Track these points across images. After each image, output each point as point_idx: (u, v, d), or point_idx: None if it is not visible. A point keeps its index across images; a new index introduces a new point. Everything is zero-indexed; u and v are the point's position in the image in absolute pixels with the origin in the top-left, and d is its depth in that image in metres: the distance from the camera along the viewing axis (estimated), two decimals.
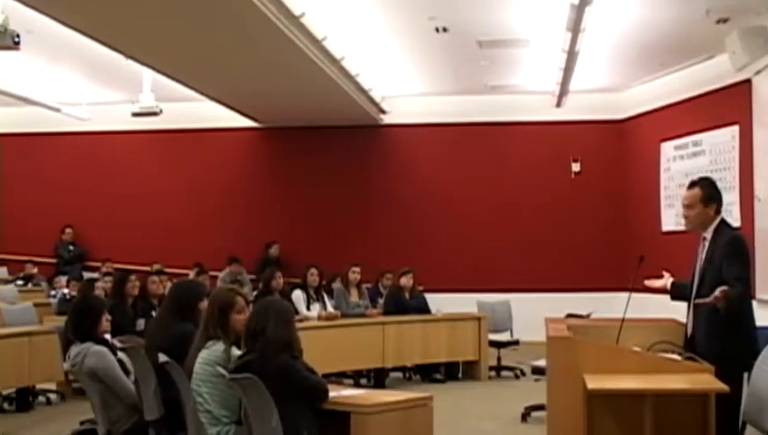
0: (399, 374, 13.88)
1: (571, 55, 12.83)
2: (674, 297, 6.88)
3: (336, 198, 18.80)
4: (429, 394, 6.33)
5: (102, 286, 12.13)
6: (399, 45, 14.25)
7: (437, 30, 13.23)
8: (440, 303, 14.39)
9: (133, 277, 10.69)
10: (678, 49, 14.30)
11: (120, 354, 7.41)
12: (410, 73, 16.28)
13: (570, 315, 10.57)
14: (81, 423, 9.55)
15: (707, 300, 6.12)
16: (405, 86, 17.31)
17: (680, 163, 15.96)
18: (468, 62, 15.26)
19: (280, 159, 19.12)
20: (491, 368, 13.84)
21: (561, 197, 18.21)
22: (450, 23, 12.97)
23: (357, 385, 12.29)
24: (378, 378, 13.10)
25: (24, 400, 11.41)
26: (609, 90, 17.50)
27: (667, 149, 16.40)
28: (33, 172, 19.66)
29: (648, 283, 7.15)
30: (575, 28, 11.32)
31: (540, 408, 9.60)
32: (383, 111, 18.34)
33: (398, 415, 5.99)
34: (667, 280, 6.98)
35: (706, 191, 6.55)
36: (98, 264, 18.22)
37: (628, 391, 5.85)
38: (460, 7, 12.36)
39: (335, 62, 13.84)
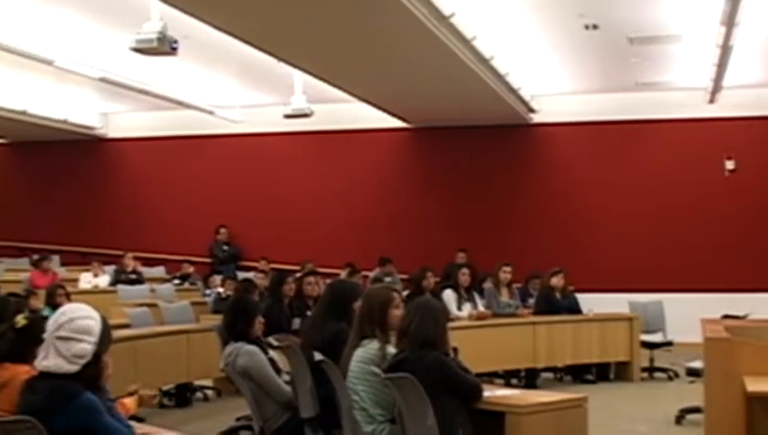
0: (550, 375, 13.80)
1: (725, 50, 12.57)
2: None
3: (486, 198, 18.76)
4: (584, 395, 6.31)
5: (258, 284, 12.33)
6: (548, 43, 14.17)
7: (587, 27, 13.11)
8: (591, 303, 14.23)
9: (290, 279, 10.84)
10: None
11: (272, 353, 7.56)
12: (559, 72, 16.18)
13: (726, 316, 10.36)
14: (238, 419, 9.79)
15: None
16: (554, 85, 17.20)
17: None
18: (618, 59, 15.08)
19: (430, 159, 19.19)
20: (643, 369, 13.62)
21: (714, 195, 17.81)
22: (600, 20, 12.83)
23: (508, 385, 12.26)
24: (529, 378, 13.03)
25: (183, 396, 11.76)
26: (764, 85, 17.04)
27: None
28: (188, 174, 20.20)
29: None
30: (729, 22, 11.09)
31: (695, 410, 9.44)
32: (532, 110, 18.23)
33: (552, 416, 6.00)
34: None
35: None
36: (252, 263, 18.58)
37: None
38: (610, 4, 12.24)
39: (484, 61, 13.83)
